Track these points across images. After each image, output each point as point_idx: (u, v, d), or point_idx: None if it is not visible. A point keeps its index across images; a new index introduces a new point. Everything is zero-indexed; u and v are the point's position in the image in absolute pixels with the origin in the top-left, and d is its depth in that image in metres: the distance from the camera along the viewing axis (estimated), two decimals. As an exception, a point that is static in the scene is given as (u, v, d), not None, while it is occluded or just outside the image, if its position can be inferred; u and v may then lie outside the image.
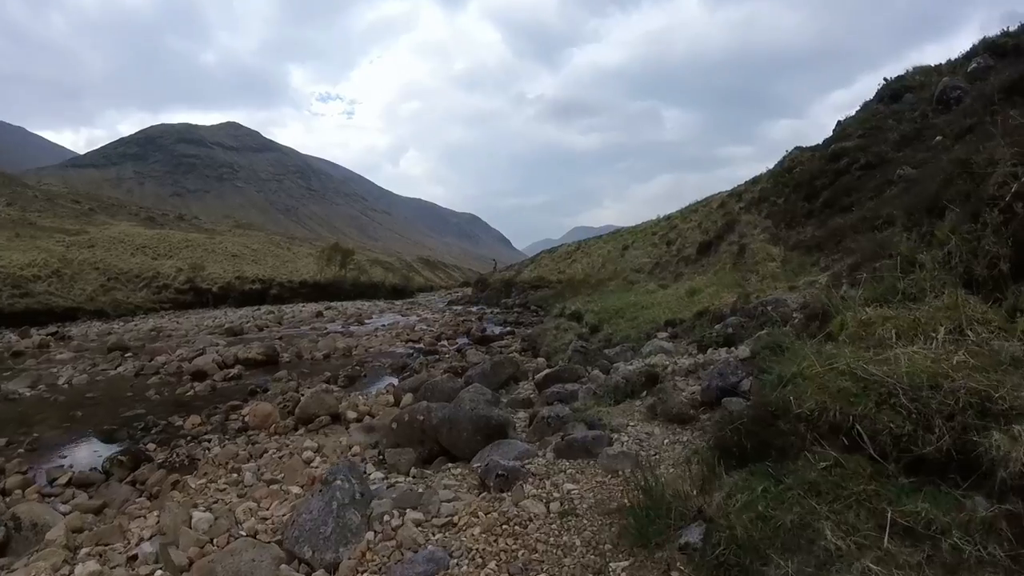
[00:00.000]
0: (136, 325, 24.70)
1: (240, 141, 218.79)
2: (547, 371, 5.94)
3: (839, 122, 14.16)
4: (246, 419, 7.49)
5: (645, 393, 4.56)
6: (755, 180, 19.89)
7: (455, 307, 32.69)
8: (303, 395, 8.66)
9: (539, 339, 11.67)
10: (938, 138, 7.76)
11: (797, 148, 17.93)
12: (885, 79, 12.73)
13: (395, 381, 10.60)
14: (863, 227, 5.86)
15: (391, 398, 8.86)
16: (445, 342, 16.37)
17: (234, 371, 11.18)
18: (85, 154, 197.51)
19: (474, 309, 29.75)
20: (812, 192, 9.95)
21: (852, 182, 8.69)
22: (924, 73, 11.49)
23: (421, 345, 15.39)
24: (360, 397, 9.70)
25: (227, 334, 20.86)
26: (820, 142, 14.25)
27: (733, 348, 4.73)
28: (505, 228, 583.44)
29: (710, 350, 4.93)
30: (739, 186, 22.14)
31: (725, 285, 9.36)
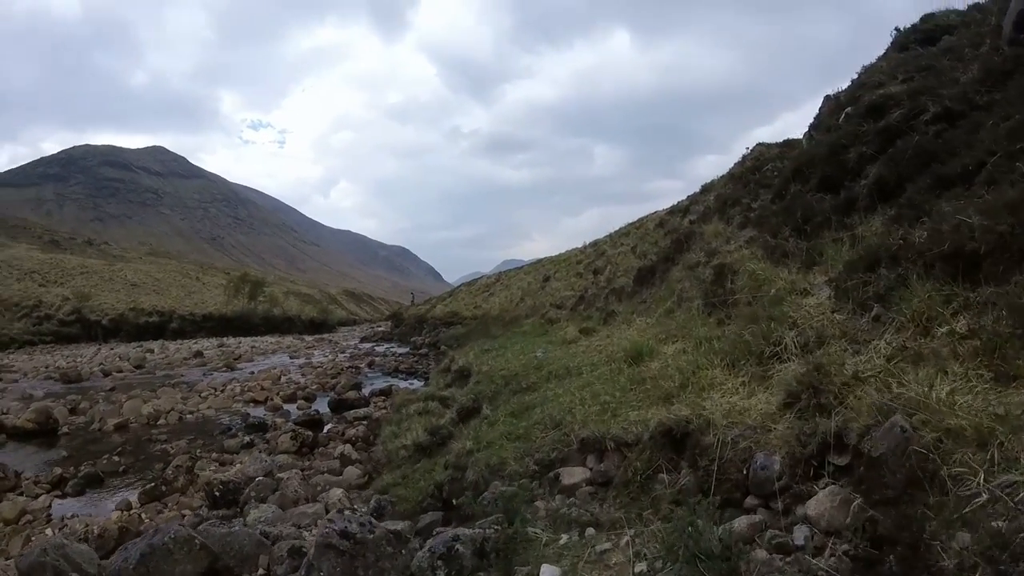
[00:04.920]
0: (-16, 362, 22.12)
1: (166, 166, 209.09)
2: None
3: (827, 97, 10.30)
4: None
5: None
6: (706, 188, 15.45)
7: (365, 344, 30.66)
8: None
9: (383, 426, 7.28)
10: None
11: (760, 144, 14.22)
12: (897, 28, 9.33)
13: (134, 496, 6.35)
14: None
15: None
16: (298, 404, 12.88)
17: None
18: (4, 172, 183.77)
19: (380, 348, 27.02)
20: (838, 173, 5.94)
21: (927, 142, 4.80)
22: (957, 14, 8.48)
23: (262, 410, 11.95)
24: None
25: (62, 380, 17.53)
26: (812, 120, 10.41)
27: None
28: (436, 261, 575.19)
29: None
30: (681, 201, 18.28)
31: (705, 345, 4.34)
